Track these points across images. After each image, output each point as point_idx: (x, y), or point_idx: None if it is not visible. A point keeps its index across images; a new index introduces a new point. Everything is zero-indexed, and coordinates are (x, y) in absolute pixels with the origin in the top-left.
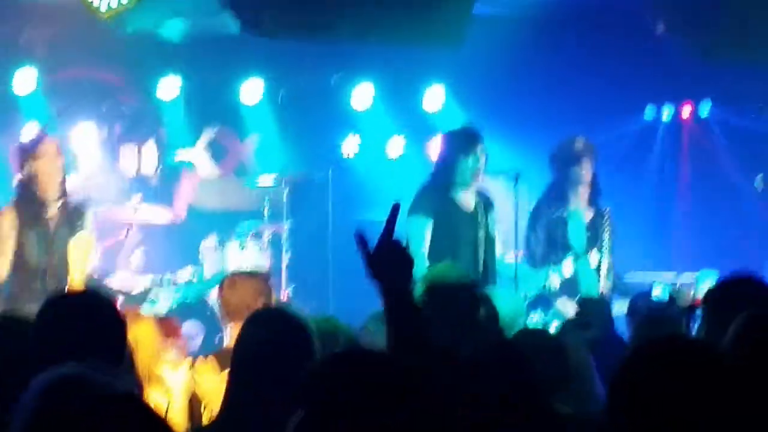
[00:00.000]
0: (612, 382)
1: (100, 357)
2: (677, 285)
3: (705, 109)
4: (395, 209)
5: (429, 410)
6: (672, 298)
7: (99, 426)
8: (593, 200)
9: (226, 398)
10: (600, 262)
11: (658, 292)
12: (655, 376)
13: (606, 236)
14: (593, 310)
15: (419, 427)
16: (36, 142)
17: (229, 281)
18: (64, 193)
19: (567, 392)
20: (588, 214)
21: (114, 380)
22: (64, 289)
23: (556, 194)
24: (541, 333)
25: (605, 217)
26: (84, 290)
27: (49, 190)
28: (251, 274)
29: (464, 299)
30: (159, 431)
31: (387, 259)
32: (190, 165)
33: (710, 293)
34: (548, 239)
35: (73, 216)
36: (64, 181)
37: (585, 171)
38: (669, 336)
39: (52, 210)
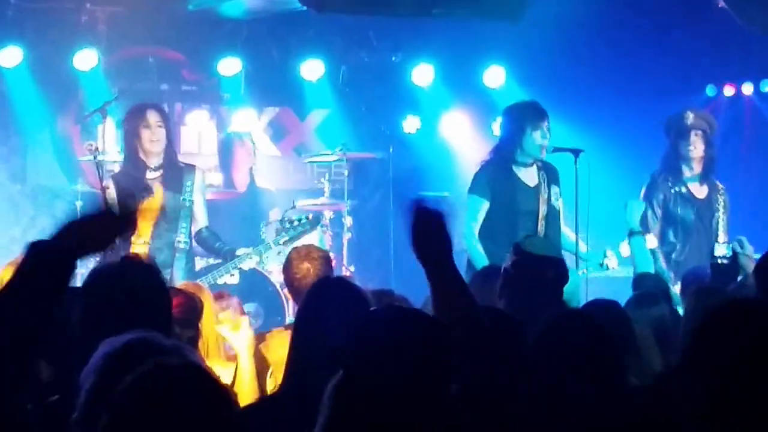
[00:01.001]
0: (691, 343)
1: (145, 327)
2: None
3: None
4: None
5: (470, 371)
6: (735, 255)
7: (166, 394)
8: (705, 176)
9: (288, 367)
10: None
11: (722, 251)
12: (733, 332)
13: (721, 215)
14: (650, 286)
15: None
16: (142, 110)
17: (293, 256)
18: (167, 159)
19: (632, 364)
20: (701, 190)
21: (180, 346)
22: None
23: (669, 167)
24: (610, 304)
25: (720, 195)
26: (128, 259)
27: (151, 157)
28: (315, 249)
29: (551, 273)
30: (223, 401)
31: (424, 233)
32: (246, 135)
33: (761, 262)
34: (665, 215)
35: (177, 180)
36: (167, 148)
37: (693, 146)
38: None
39: (154, 174)
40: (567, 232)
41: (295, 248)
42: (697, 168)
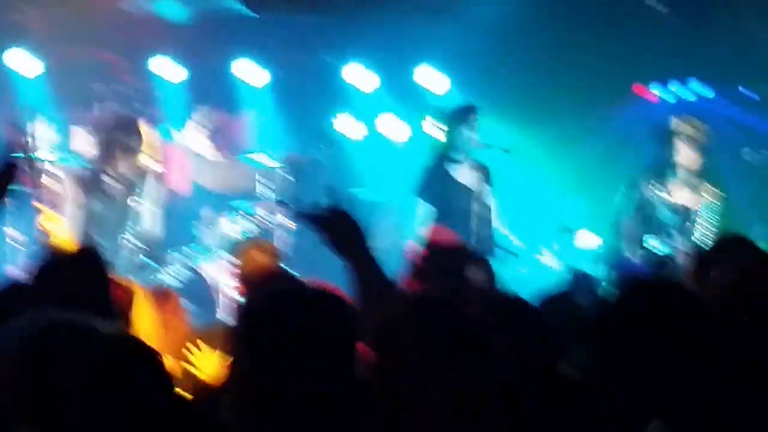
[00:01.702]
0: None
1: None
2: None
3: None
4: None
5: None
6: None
7: (99, 363)
8: (690, 181)
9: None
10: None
11: (655, 243)
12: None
13: (701, 220)
14: (582, 284)
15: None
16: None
17: (243, 250)
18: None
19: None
20: (684, 196)
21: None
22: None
23: (653, 172)
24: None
25: (707, 200)
26: (73, 249)
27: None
28: (259, 242)
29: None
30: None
31: (335, 230)
32: (180, 136)
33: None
34: (642, 218)
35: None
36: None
37: (679, 153)
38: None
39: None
40: (501, 229)
41: (239, 243)
42: (682, 173)
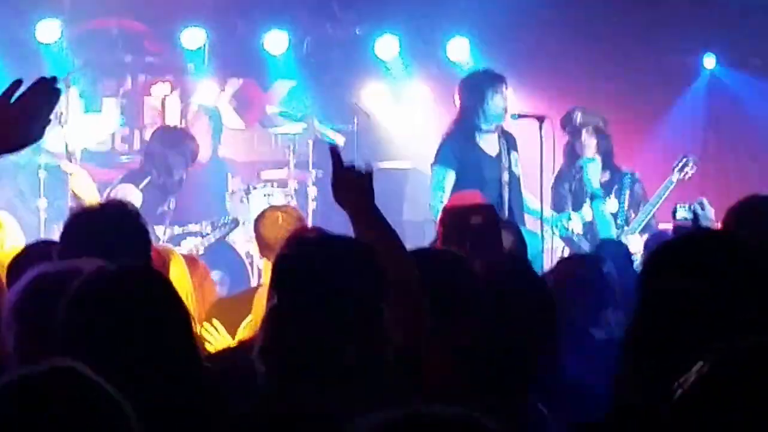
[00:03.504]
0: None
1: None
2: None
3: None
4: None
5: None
6: (696, 215)
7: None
8: (605, 166)
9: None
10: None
11: (683, 214)
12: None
13: (625, 201)
14: (609, 251)
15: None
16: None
17: (264, 215)
18: None
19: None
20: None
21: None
22: None
23: (571, 161)
24: (579, 260)
25: (623, 181)
26: (106, 203)
27: None
28: (284, 208)
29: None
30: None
31: (344, 185)
32: (212, 110)
33: (730, 212)
34: (572, 191)
35: None
36: None
37: (587, 145)
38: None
39: None
40: (530, 197)
41: (265, 209)
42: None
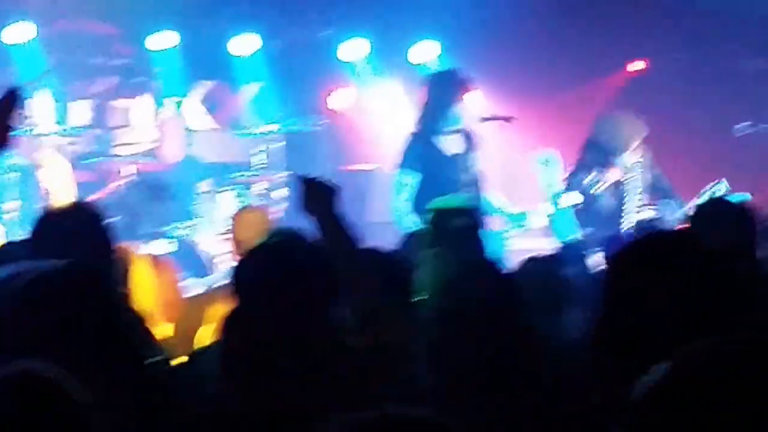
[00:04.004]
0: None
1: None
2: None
3: None
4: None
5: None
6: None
7: None
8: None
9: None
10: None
11: (651, 214)
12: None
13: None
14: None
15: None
16: None
17: (239, 216)
18: None
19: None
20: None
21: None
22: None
23: None
24: (545, 260)
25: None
26: (70, 205)
27: None
28: (259, 209)
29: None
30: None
31: (310, 196)
32: (179, 109)
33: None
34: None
35: None
36: None
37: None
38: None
39: None
40: (496, 194)
41: (239, 210)
42: None
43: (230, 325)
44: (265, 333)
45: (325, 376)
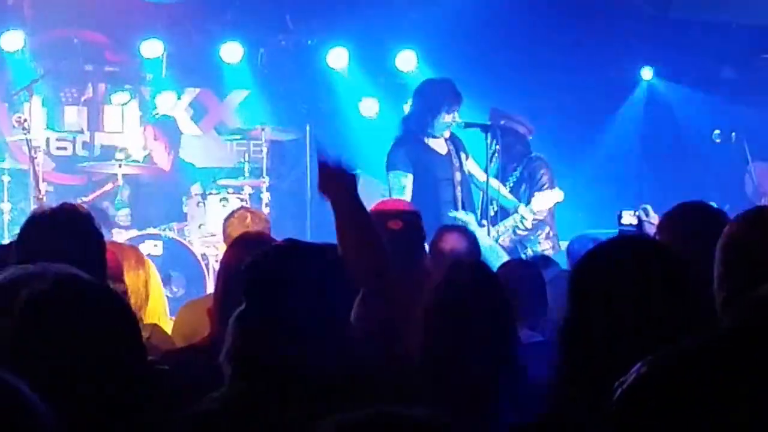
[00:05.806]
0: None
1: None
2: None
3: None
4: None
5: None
6: (640, 221)
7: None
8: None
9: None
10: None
11: (628, 219)
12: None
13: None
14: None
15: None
16: None
17: (233, 215)
18: None
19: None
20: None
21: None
22: None
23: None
24: (526, 263)
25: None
26: (62, 206)
27: None
28: (253, 210)
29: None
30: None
31: (327, 178)
32: (169, 118)
33: (665, 218)
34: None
35: None
36: None
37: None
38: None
39: None
40: (495, 184)
41: (233, 210)
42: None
43: (240, 324)
44: (275, 336)
45: (334, 383)
